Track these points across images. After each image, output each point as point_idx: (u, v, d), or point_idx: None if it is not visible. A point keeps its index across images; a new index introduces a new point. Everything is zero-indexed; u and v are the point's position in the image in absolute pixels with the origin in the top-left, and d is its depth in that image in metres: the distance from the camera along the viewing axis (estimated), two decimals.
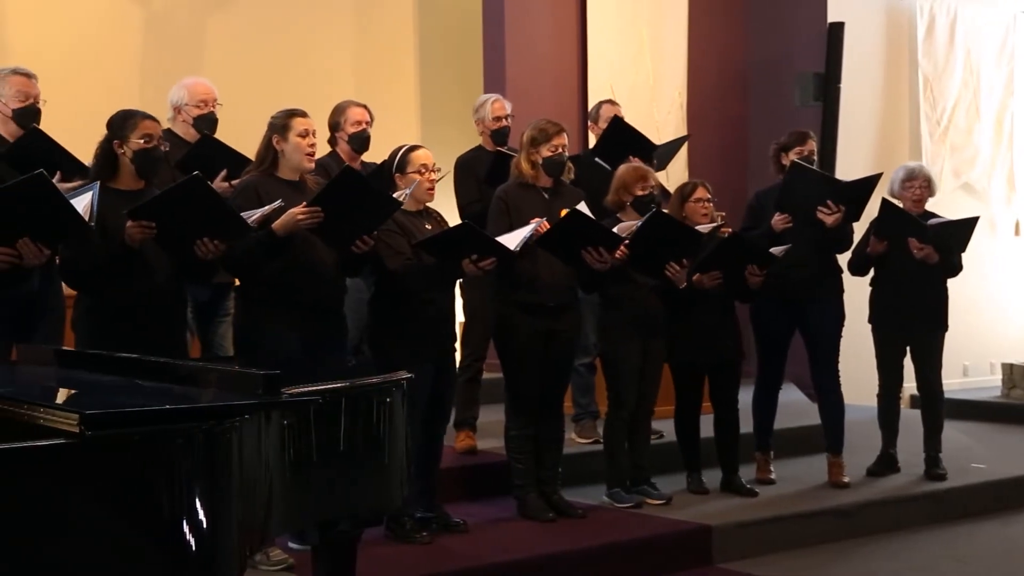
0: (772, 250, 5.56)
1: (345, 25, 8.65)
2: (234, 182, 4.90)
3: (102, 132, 4.32)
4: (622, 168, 5.53)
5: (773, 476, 6.01)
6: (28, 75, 4.94)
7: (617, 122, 6.17)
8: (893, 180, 6.17)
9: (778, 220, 5.72)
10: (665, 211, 5.43)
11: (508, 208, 5.13)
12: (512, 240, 4.81)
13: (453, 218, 5.44)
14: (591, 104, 7.96)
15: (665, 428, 6.11)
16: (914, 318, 6.10)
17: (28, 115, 4.86)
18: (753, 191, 6.48)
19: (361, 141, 5.51)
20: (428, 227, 4.86)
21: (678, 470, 5.81)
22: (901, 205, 6.08)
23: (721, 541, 5.17)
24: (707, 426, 5.82)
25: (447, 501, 5.14)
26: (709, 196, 5.65)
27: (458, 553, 4.74)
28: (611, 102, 6.61)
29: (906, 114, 9.24)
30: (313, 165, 4.69)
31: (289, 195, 4.43)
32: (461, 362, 5.71)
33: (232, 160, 5.00)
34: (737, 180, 8.51)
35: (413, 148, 4.92)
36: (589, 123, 6.77)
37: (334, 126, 5.54)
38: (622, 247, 5.11)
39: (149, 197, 4.17)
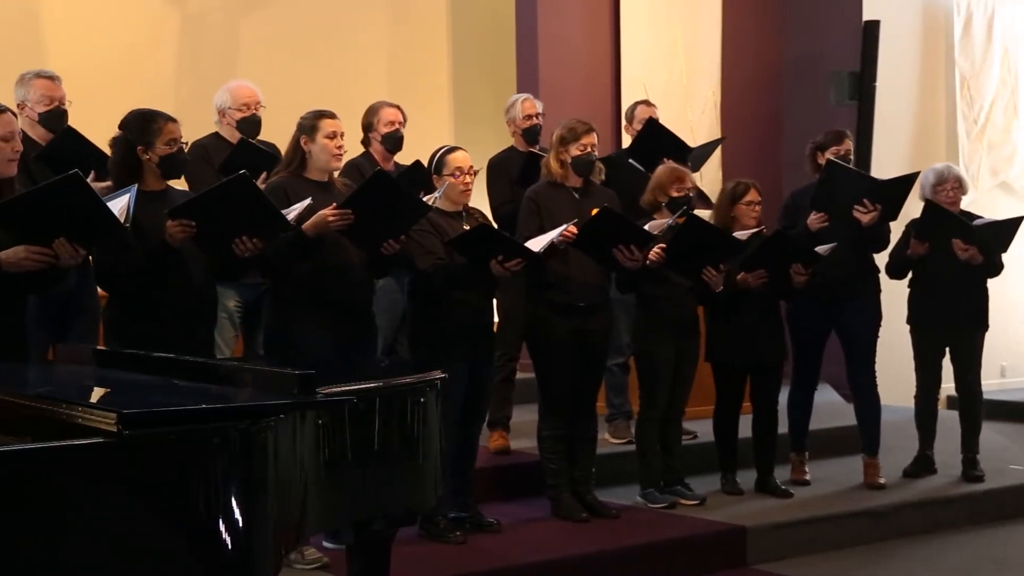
0: (818, 249, 5.53)
1: (379, 26, 8.67)
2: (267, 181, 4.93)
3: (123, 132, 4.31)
4: (660, 169, 5.52)
5: (808, 477, 5.97)
6: (52, 77, 4.98)
7: (652, 124, 6.15)
8: (923, 185, 6.07)
9: (814, 219, 5.69)
10: (699, 215, 5.41)
11: (539, 208, 5.13)
12: (538, 243, 4.80)
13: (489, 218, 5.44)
14: (624, 103, 7.96)
15: (699, 428, 6.09)
16: (955, 319, 6.04)
17: (54, 118, 4.91)
18: (788, 191, 6.45)
19: (394, 141, 5.53)
20: (465, 227, 4.86)
21: (712, 471, 5.79)
22: None
23: (756, 542, 5.15)
24: (743, 426, 5.79)
25: (480, 501, 5.15)
26: (759, 199, 5.62)
27: (491, 553, 4.74)
28: (647, 103, 6.59)
29: (942, 112, 9.16)
30: (341, 166, 4.70)
31: (317, 196, 4.45)
32: (495, 362, 5.71)
33: (274, 162, 5.02)
34: (772, 180, 8.43)
35: (451, 150, 4.93)
36: (624, 123, 6.75)
37: (367, 127, 5.56)
38: (657, 249, 5.09)
39: (179, 197, 4.19)
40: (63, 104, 4.95)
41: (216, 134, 5.38)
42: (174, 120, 4.28)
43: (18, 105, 4.92)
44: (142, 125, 4.21)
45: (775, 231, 5.65)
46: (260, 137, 5.39)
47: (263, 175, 5.00)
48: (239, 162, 4.91)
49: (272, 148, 5.25)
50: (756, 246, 5.47)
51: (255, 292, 5.20)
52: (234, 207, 4.09)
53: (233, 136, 5.32)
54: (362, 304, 4.65)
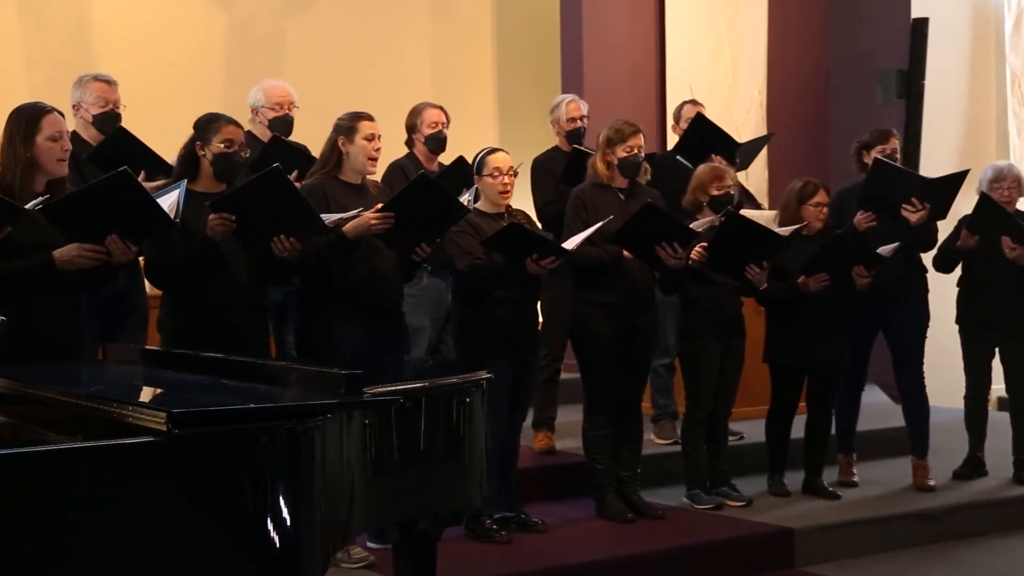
0: (880, 250, 5.47)
1: (423, 27, 8.70)
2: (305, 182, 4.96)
3: (186, 135, 4.39)
4: (699, 168, 5.50)
5: (856, 479, 5.92)
6: (108, 81, 5.04)
7: (700, 119, 6.13)
8: (981, 180, 6.02)
9: (861, 218, 5.64)
10: (742, 212, 5.38)
11: (585, 207, 5.12)
12: (572, 241, 4.80)
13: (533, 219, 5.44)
14: (669, 103, 7.94)
15: (746, 429, 6.06)
16: (1004, 319, 5.96)
17: (108, 121, 4.96)
18: (834, 190, 6.39)
19: (437, 142, 5.55)
20: None
21: (759, 472, 5.75)
22: None
23: (803, 544, 5.11)
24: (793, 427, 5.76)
25: (526, 501, 5.15)
26: (827, 200, 5.58)
27: (537, 553, 4.74)
28: (694, 102, 6.56)
29: (993, 111, 9.04)
30: (375, 169, 4.72)
31: (351, 198, 4.48)
32: (539, 362, 5.71)
33: (304, 161, 5.05)
34: (820, 179, 8.38)
35: (491, 151, 4.94)
36: (671, 123, 6.72)
37: (411, 128, 5.57)
38: (699, 247, 5.07)
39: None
40: (117, 107, 5.01)
41: (248, 132, 5.40)
42: (237, 124, 4.34)
43: (73, 106, 4.99)
44: (205, 124, 4.30)
45: (836, 234, 5.60)
46: (293, 138, 5.41)
47: (294, 173, 5.03)
48: (271, 160, 4.96)
49: (303, 148, 5.28)
50: (818, 249, 5.41)
51: (282, 292, 5.24)
52: (270, 202, 4.12)
53: (265, 135, 5.34)
54: (393, 305, 4.66)
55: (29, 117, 3.84)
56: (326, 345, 4.48)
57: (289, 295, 5.27)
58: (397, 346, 4.66)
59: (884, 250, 5.49)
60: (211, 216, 4.08)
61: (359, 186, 4.62)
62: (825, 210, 5.56)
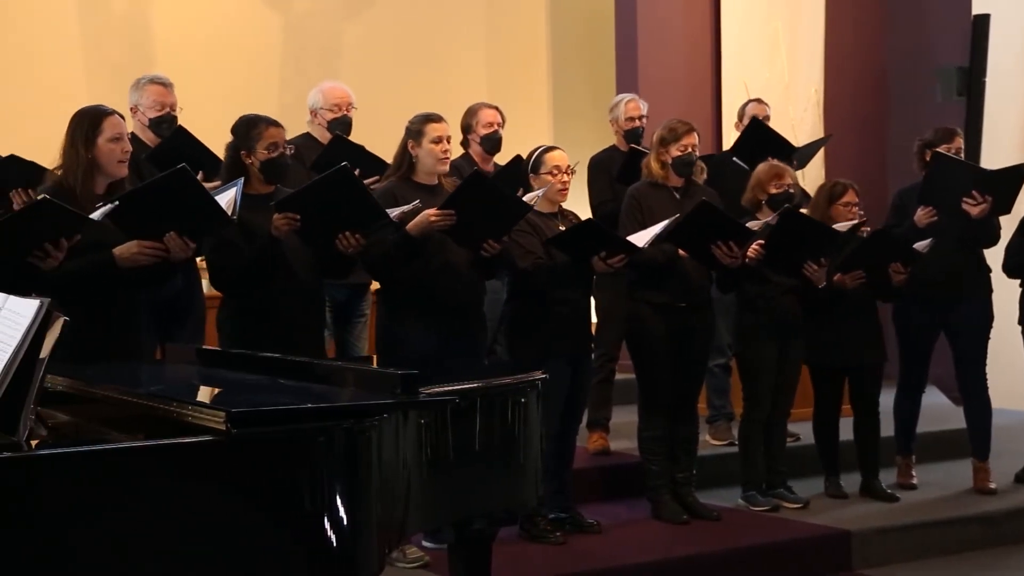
0: (916, 246, 5.41)
1: (478, 26, 8.72)
2: (367, 181, 4.99)
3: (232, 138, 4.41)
4: (759, 167, 5.47)
5: (915, 481, 5.86)
6: (165, 84, 5.09)
7: (755, 123, 6.09)
8: None
9: (922, 214, 5.57)
10: (802, 210, 5.34)
11: (640, 207, 5.11)
12: (642, 238, 4.78)
13: (587, 218, 5.43)
14: (725, 102, 7.90)
15: (801, 430, 6.01)
16: None
17: (163, 124, 5.01)
18: (893, 190, 6.33)
19: (493, 143, 5.55)
20: (561, 228, 4.87)
21: (815, 474, 5.71)
22: None
23: (861, 547, 5.05)
24: (846, 429, 5.70)
25: (580, 502, 5.14)
26: (857, 200, 5.53)
27: (592, 554, 4.73)
28: (758, 100, 6.53)
29: None
30: (447, 170, 4.74)
31: (426, 199, 4.50)
32: (594, 362, 5.70)
33: (365, 160, 5.08)
34: (877, 179, 8.29)
35: (548, 149, 4.94)
36: (734, 122, 6.69)
37: (466, 128, 5.59)
38: (756, 245, 5.04)
39: (284, 195, 4.27)
40: (174, 110, 5.06)
41: (307, 134, 5.45)
42: (277, 125, 4.35)
43: (131, 108, 5.05)
44: (245, 130, 4.32)
45: (873, 231, 5.55)
46: (351, 139, 5.44)
47: (355, 172, 5.05)
48: (333, 160, 4.99)
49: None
50: (854, 246, 5.37)
51: (346, 291, 5.26)
52: (336, 200, 4.16)
53: (324, 137, 5.38)
54: (470, 304, 4.69)
55: (91, 119, 3.90)
56: (399, 344, 4.52)
57: (353, 295, 5.31)
58: (473, 345, 4.68)
59: (920, 246, 5.42)
60: (276, 216, 4.12)
61: (434, 187, 4.64)
62: (855, 210, 5.51)
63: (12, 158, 4.14)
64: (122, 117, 4.00)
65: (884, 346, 5.65)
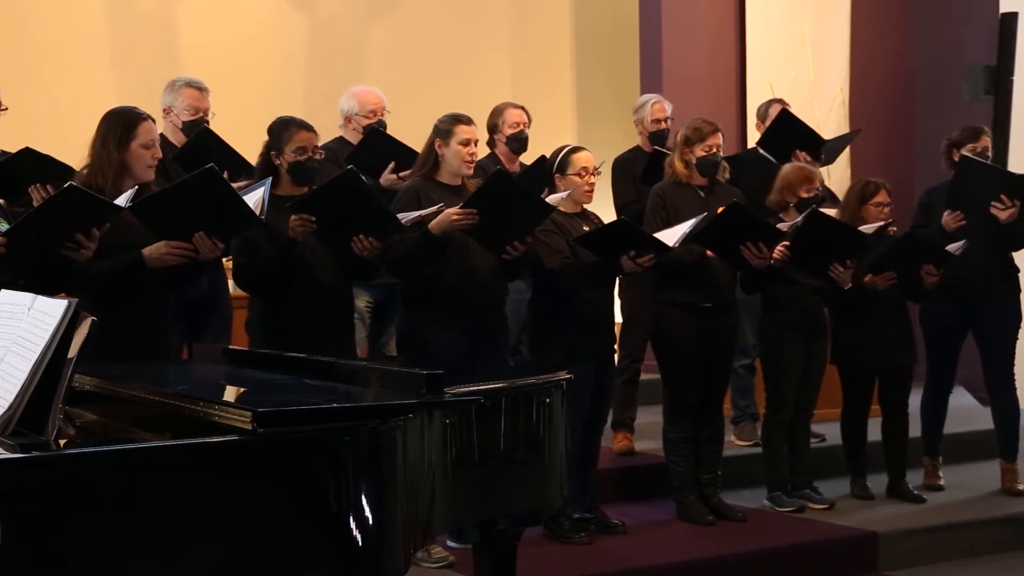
0: (949, 248, 5.38)
1: (503, 27, 8.72)
2: (403, 173, 5.01)
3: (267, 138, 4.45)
4: (787, 168, 5.44)
5: (942, 482, 5.82)
6: (200, 88, 5.12)
7: (785, 115, 6.06)
8: None
9: (949, 218, 5.54)
10: (827, 211, 5.31)
11: (665, 205, 5.10)
12: (671, 237, 4.78)
13: (610, 218, 5.42)
14: (749, 101, 7.86)
15: (828, 431, 5.99)
16: None
17: (196, 128, 5.03)
18: (919, 189, 6.29)
19: (519, 142, 5.56)
20: (585, 228, 4.87)
21: (841, 474, 5.68)
22: None
23: (887, 548, 5.03)
24: (872, 429, 5.67)
25: (605, 502, 5.14)
26: (889, 200, 5.50)
27: (617, 554, 4.72)
28: (779, 101, 6.50)
29: None
30: (472, 172, 4.74)
31: (449, 199, 4.50)
32: (619, 363, 5.70)
33: (401, 153, 5.10)
34: (903, 177, 8.23)
35: (575, 150, 4.93)
36: (756, 122, 6.66)
37: (492, 128, 5.59)
38: (781, 247, 5.02)
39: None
40: (207, 115, 5.09)
41: (341, 138, 5.47)
42: (309, 129, 4.37)
43: (164, 110, 5.08)
44: (278, 131, 4.36)
45: (906, 233, 5.52)
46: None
47: (391, 164, 5.06)
48: (368, 151, 5.00)
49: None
50: (885, 248, 5.34)
51: (385, 291, 5.28)
52: (347, 203, 4.17)
53: (358, 141, 5.39)
54: (493, 305, 4.69)
55: (126, 122, 3.93)
56: (423, 346, 4.53)
57: (391, 296, 5.33)
58: (496, 346, 4.69)
59: (953, 247, 5.39)
60: (292, 217, 4.14)
61: (457, 187, 4.65)
62: (887, 210, 5.48)
63: (27, 151, 4.13)
64: (154, 122, 4.03)
65: (915, 347, 5.62)
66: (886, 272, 5.31)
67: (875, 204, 5.47)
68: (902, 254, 5.34)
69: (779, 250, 5.03)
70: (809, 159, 5.76)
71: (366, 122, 5.40)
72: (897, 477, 5.64)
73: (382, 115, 5.44)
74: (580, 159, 4.87)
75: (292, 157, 4.32)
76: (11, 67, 5.56)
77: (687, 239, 4.80)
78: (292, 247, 4.19)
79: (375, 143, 5.15)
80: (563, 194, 4.74)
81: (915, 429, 5.80)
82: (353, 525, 2.47)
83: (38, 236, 3.59)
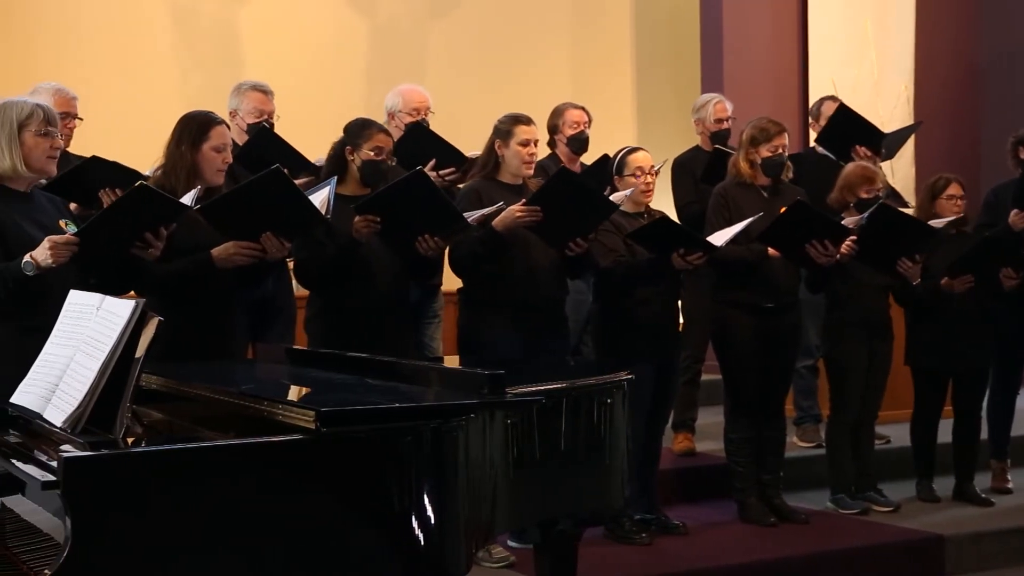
0: None
1: (563, 27, 8.72)
2: (443, 172, 5.02)
3: (329, 138, 4.49)
4: (849, 167, 5.38)
5: (1010, 485, 5.74)
6: (266, 92, 5.17)
7: (843, 110, 6.00)
8: None
9: (1016, 218, 5.45)
10: (893, 206, 5.25)
11: (728, 205, 5.07)
12: (720, 237, 4.75)
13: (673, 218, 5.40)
14: (811, 101, 7.77)
15: (892, 433, 5.91)
16: None
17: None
18: (986, 187, 6.20)
19: (579, 143, 5.55)
20: None
21: (906, 477, 5.61)
22: None
23: (954, 552, 4.96)
24: (940, 431, 5.60)
25: (665, 503, 5.12)
26: (962, 194, 5.42)
27: (678, 556, 4.70)
28: (832, 98, 6.44)
29: None
30: (532, 173, 4.75)
31: (510, 199, 4.51)
32: (680, 363, 5.67)
33: (442, 150, 5.11)
34: (969, 175, 8.07)
35: (632, 151, 4.92)
36: (810, 120, 6.60)
37: (552, 128, 5.60)
38: (849, 242, 4.96)
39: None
40: (271, 119, 5.14)
41: None
42: (387, 133, 4.46)
43: (230, 112, 5.14)
44: (358, 129, 4.41)
45: (985, 236, 5.42)
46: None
47: (431, 162, 5.08)
48: (411, 143, 5.00)
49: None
50: (967, 251, 5.25)
51: (417, 293, 5.28)
52: (415, 203, 4.19)
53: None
54: (552, 304, 4.69)
55: (200, 124, 4.00)
56: (483, 344, 4.55)
57: (425, 296, 5.35)
58: (556, 344, 4.68)
59: None
60: (356, 219, 4.18)
61: (519, 187, 4.67)
62: (960, 203, 5.41)
63: (95, 159, 4.22)
64: (228, 127, 4.09)
65: (991, 350, 5.53)
66: (963, 276, 5.23)
67: (947, 197, 5.40)
68: (981, 257, 5.26)
69: (847, 245, 4.97)
70: (869, 154, 5.70)
71: (409, 120, 5.42)
72: (965, 480, 5.57)
73: (425, 114, 5.46)
74: (636, 159, 4.85)
75: (368, 155, 4.36)
76: (83, 81, 5.65)
77: (737, 239, 4.76)
78: (354, 247, 4.22)
79: (416, 139, 5.17)
80: (625, 192, 4.73)
81: (981, 431, 5.71)
82: (415, 525, 2.48)
83: (109, 235, 3.65)
